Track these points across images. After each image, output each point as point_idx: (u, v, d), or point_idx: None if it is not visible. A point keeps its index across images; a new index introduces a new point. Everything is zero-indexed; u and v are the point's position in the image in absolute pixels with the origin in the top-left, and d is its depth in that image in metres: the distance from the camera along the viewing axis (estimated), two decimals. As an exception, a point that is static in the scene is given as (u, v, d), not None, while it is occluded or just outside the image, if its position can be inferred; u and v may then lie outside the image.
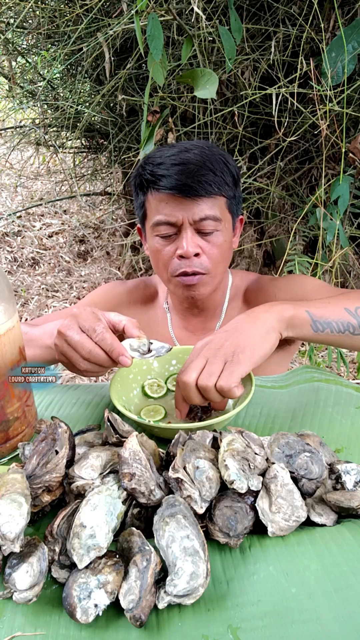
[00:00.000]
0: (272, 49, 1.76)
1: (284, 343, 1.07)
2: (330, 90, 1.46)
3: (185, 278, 0.93)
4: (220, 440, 0.55)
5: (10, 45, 2.46)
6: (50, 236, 3.79)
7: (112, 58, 1.97)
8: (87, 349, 0.64)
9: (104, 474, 0.53)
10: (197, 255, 0.90)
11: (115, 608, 0.43)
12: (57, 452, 0.53)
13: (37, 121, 2.89)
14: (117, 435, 0.59)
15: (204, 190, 0.87)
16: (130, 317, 0.70)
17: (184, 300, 1.01)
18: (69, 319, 0.67)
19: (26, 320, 2.81)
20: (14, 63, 2.71)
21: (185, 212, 0.89)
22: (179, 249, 0.90)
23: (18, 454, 0.62)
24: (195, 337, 1.05)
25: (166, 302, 1.12)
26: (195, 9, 1.36)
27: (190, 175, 0.87)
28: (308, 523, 0.50)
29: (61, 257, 3.50)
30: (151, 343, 0.70)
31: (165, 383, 0.82)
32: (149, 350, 0.69)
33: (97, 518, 0.46)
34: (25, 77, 2.82)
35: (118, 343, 0.65)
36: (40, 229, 3.86)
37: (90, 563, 0.44)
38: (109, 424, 0.60)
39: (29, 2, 1.86)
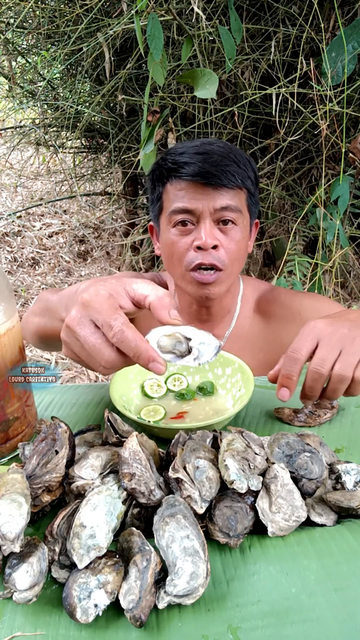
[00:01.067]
0: (272, 49, 1.76)
1: None
2: (330, 90, 1.46)
3: (201, 277, 0.88)
4: (220, 440, 0.55)
5: (10, 45, 2.46)
6: (50, 236, 3.79)
7: (112, 58, 1.97)
8: (105, 357, 0.49)
9: (104, 474, 0.53)
10: (215, 247, 0.87)
11: (115, 608, 0.43)
12: (57, 452, 0.53)
13: (37, 121, 2.89)
14: (117, 435, 0.59)
15: (227, 180, 0.84)
16: (142, 315, 0.54)
17: (197, 300, 0.96)
18: (78, 309, 0.51)
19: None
20: (14, 63, 2.71)
21: (206, 201, 0.86)
22: (196, 240, 0.87)
23: (18, 454, 0.62)
24: None
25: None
26: (195, 9, 1.36)
27: (214, 164, 0.84)
28: (308, 523, 0.50)
29: (61, 257, 3.50)
30: (189, 339, 0.52)
31: (165, 383, 0.82)
32: (189, 351, 0.51)
33: (97, 518, 0.46)
34: (25, 77, 2.82)
35: (144, 344, 0.48)
36: (40, 229, 3.86)
37: (90, 563, 0.44)
38: (109, 424, 0.60)
39: (29, 2, 1.86)
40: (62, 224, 3.92)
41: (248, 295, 1.05)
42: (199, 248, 0.87)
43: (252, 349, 1.00)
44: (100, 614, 0.42)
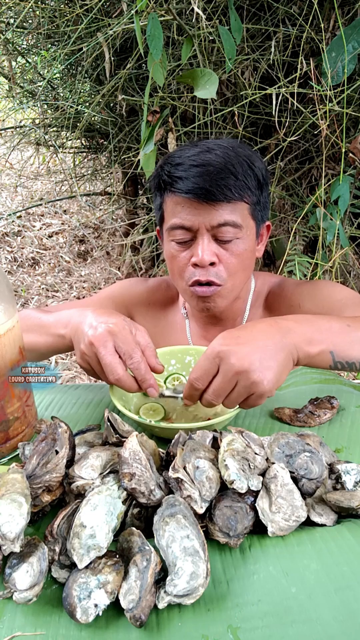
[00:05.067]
0: (272, 49, 1.76)
1: None
2: (330, 90, 1.46)
3: (199, 289, 0.87)
4: (220, 440, 0.55)
5: (10, 45, 2.46)
6: (50, 236, 3.79)
7: (112, 58, 1.97)
8: (118, 376, 0.65)
9: (104, 474, 0.53)
10: (212, 264, 0.85)
11: (115, 608, 0.43)
12: (57, 452, 0.53)
13: (37, 121, 2.89)
14: (117, 435, 0.59)
15: (222, 195, 0.82)
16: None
17: (201, 312, 0.96)
18: (104, 333, 0.65)
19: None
20: (14, 63, 2.71)
21: (202, 218, 0.84)
22: (193, 257, 0.86)
23: (18, 454, 0.62)
24: None
25: (184, 307, 1.06)
26: (195, 9, 1.36)
27: (209, 178, 0.81)
28: (308, 523, 0.50)
29: (61, 257, 3.50)
30: None
31: (165, 383, 0.82)
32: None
33: (97, 518, 0.46)
34: (25, 77, 2.82)
35: (149, 375, 0.66)
36: (40, 229, 3.86)
37: (90, 563, 0.44)
38: (109, 424, 0.60)
39: (29, 2, 1.86)
40: (62, 224, 3.93)
41: (259, 292, 1.03)
42: (196, 265, 0.86)
43: None
44: (100, 614, 0.42)
